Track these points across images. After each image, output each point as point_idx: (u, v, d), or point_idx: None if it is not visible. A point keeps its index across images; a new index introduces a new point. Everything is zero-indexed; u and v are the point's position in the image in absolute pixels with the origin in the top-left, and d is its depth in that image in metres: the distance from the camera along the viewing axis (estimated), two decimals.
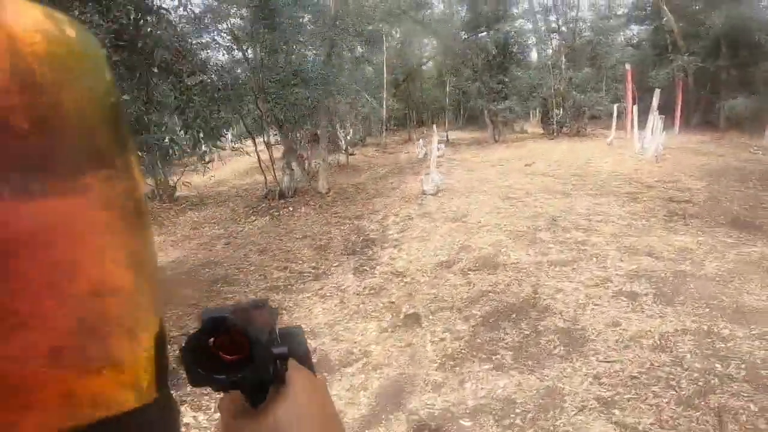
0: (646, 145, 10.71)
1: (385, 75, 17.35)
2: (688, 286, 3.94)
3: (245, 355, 0.29)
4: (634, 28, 18.33)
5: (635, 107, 12.27)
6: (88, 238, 0.17)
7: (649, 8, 16.28)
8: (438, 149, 13.10)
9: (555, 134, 14.96)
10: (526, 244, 5.49)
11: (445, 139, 17.60)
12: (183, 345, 0.28)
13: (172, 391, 0.25)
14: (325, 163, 9.93)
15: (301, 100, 8.27)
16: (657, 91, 11.15)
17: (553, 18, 15.37)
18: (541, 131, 16.53)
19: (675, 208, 6.80)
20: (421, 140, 13.37)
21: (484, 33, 13.09)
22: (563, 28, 15.60)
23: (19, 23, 0.15)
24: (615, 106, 12.78)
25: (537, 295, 4.02)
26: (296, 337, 0.42)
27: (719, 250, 4.76)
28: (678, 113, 14.99)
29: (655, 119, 10.60)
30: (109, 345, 0.18)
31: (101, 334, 0.17)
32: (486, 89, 13.99)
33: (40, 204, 0.16)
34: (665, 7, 14.70)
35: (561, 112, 14.73)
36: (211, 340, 0.29)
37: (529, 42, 14.60)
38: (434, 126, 14.13)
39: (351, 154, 16.32)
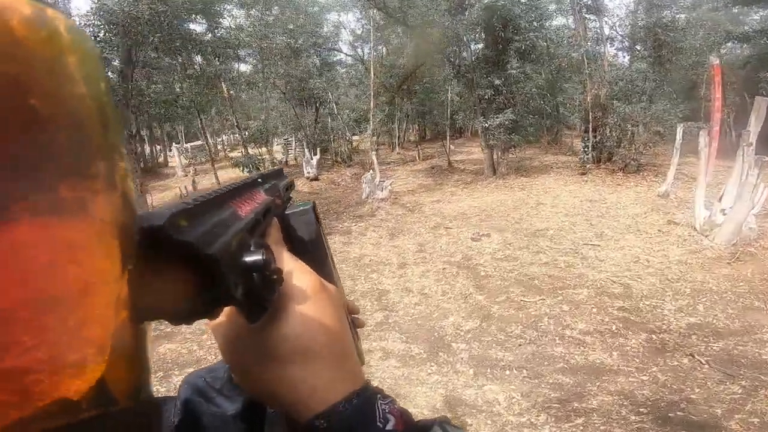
0: (721, 218, 5.43)
1: (372, 79, 13.49)
2: None
3: (197, 276, 0.20)
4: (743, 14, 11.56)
5: (719, 128, 6.75)
6: (75, 261, 0.15)
7: None
8: (383, 188, 9.12)
9: (588, 167, 9.66)
10: None
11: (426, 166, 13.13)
12: None
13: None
14: None
15: None
16: (759, 101, 5.67)
17: None
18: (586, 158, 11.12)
19: None
20: (370, 173, 9.44)
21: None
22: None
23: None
24: (679, 128, 7.29)
25: None
26: (302, 217, 0.37)
27: None
28: None
29: (746, 164, 5.28)
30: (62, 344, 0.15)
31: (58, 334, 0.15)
32: (474, 97, 9.39)
33: (13, 225, 0.13)
34: None
35: (599, 132, 9.38)
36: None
37: (543, 26, 9.31)
38: (373, 154, 10.04)
39: (314, 179, 12.96)
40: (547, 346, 3.60)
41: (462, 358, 3.58)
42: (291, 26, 14.05)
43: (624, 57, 10.10)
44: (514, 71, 8.73)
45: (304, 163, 12.90)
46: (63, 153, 0.15)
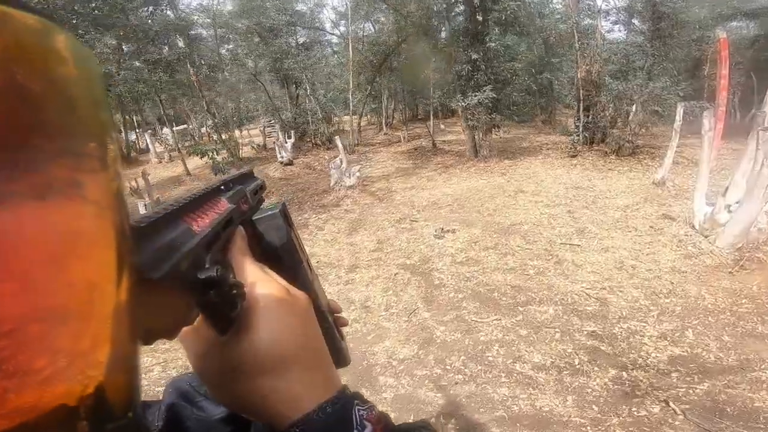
0: (725, 216, 4.59)
1: (350, 57, 12.43)
2: None
3: (148, 299, 0.20)
4: None
5: (725, 108, 5.80)
6: (73, 247, 0.14)
7: None
8: (350, 175, 8.30)
9: (579, 149, 8.76)
10: None
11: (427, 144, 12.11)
12: None
13: None
14: None
15: None
16: None
17: None
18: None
19: None
20: (339, 158, 8.57)
21: None
22: None
23: None
24: (680, 108, 6.37)
25: None
26: (270, 222, 0.36)
27: None
28: None
29: (760, 152, 4.39)
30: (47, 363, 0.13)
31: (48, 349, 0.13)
32: (452, 73, 8.40)
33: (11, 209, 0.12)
34: None
35: (591, 111, 8.44)
36: None
37: None
38: (337, 139, 9.15)
39: (288, 164, 12.09)
40: (489, 386, 2.87)
41: (385, 398, 2.87)
42: (268, 4, 12.97)
43: (620, 31, 9.05)
44: (493, 44, 7.72)
45: (277, 147, 12.01)
46: (54, 131, 0.14)
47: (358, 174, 8.15)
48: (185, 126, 21.14)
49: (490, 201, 6.83)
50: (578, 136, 8.73)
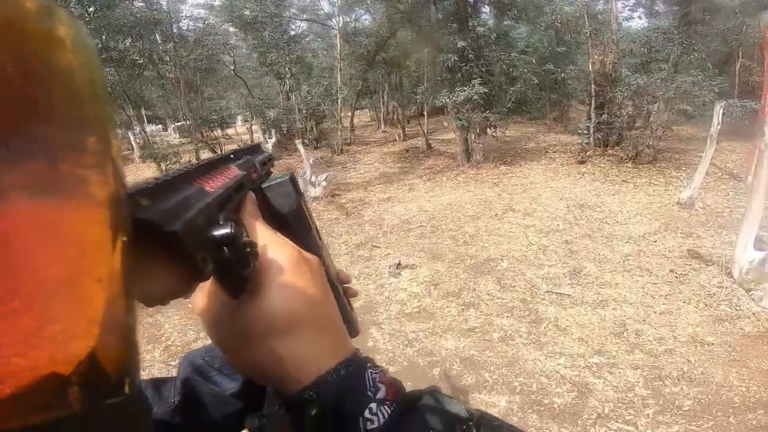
0: None
1: (338, 46, 11.27)
2: None
3: (163, 255, 0.20)
4: None
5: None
6: (73, 246, 0.14)
7: None
8: (317, 184, 7.22)
9: (589, 153, 7.39)
10: None
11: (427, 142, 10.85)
12: None
13: None
14: None
15: None
16: None
17: None
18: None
19: None
20: (307, 163, 7.48)
21: None
22: None
23: None
24: (718, 107, 5.00)
25: None
26: (279, 190, 0.37)
27: None
28: None
29: None
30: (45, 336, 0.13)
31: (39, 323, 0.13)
32: (440, 65, 7.17)
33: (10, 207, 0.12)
34: None
35: (606, 110, 7.07)
36: None
37: None
38: (299, 143, 8.02)
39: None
40: None
41: None
42: None
43: (640, 18, 7.64)
44: (482, 29, 6.45)
45: None
46: (57, 120, 0.13)
47: (324, 184, 7.05)
48: (182, 122, 20.51)
49: (470, 223, 5.63)
50: (589, 138, 7.37)
